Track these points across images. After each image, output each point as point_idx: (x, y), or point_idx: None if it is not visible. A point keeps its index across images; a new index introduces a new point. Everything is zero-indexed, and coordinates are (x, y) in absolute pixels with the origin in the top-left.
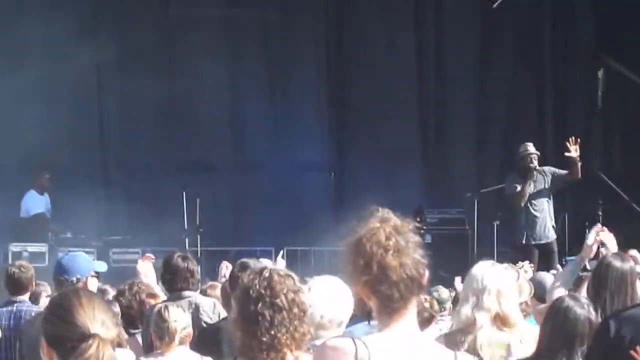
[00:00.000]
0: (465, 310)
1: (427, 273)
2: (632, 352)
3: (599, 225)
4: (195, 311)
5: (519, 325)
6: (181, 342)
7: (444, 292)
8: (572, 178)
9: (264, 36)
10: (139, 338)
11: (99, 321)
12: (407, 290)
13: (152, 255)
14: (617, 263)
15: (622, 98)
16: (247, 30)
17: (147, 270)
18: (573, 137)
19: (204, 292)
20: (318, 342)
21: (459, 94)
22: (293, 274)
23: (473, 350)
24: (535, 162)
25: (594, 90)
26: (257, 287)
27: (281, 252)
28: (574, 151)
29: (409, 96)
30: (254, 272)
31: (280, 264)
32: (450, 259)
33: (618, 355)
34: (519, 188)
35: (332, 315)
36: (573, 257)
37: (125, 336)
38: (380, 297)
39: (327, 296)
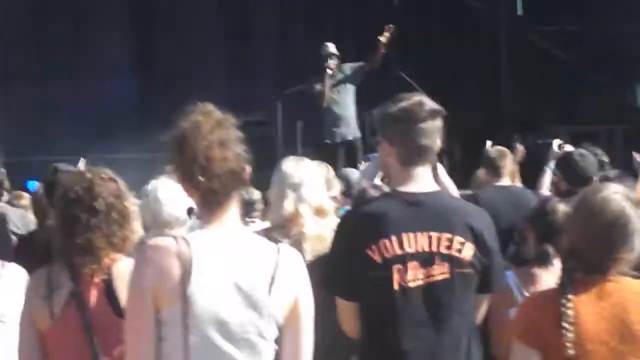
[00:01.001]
0: (288, 204)
1: (248, 168)
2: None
3: None
4: (2, 221)
5: (331, 217)
6: None
7: (254, 193)
8: (371, 66)
9: None
10: None
11: None
12: (230, 184)
13: None
14: None
15: None
16: None
17: None
18: (392, 26)
19: (10, 203)
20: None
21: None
22: (118, 179)
23: (295, 244)
24: (333, 62)
25: None
26: (76, 189)
27: (82, 160)
28: (384, 38)
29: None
30: (77, 174)
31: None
32: (257, 161)
33: (357, 252)
34: (318, 88)
35: (176, 213)
36: (374, 153)
37: None
38: (203, 191)
39: (170, 196)
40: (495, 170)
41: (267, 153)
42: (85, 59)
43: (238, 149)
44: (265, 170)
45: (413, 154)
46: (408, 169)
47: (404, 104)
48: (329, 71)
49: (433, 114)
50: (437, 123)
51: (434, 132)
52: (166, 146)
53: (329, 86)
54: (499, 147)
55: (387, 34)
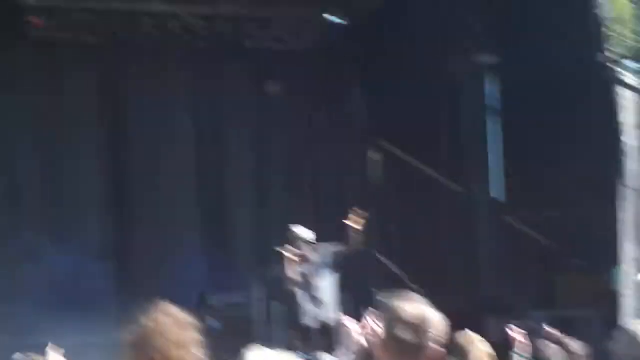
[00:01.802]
0: None
1: None
2: None
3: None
4: None
5: None
6: None
7: None
8: (349, 250)
9: (39, 124)
10: None
11: None
12: None
13: None
14: None
15: (397, 179)
16: (24, 118)
17: None
18: (360, 210)
19: None
20: None
21: (239, 179)
22: None
23: None
24: (303, 247)
25: (369, 172)
26: None
27: (49, 345)
28: (353, 222)
29: (190, 184)
30: None
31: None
32: (236, 342)
33: None
34: (286, 274)
35: None
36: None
37: None
38: None
39: None
40: (463, 358)
41: (244, 334)
42: (60, 241)
43: (197, 352)
44: (242, 353)
45: None
46: None
47: (391, 326)
48: (290, 256)
49: (420, 337)
50: (425, 342)
51: (419, 351)
52: (125, 342)
53: (301, 270)
54: (468, 333)
55: (356, 218)
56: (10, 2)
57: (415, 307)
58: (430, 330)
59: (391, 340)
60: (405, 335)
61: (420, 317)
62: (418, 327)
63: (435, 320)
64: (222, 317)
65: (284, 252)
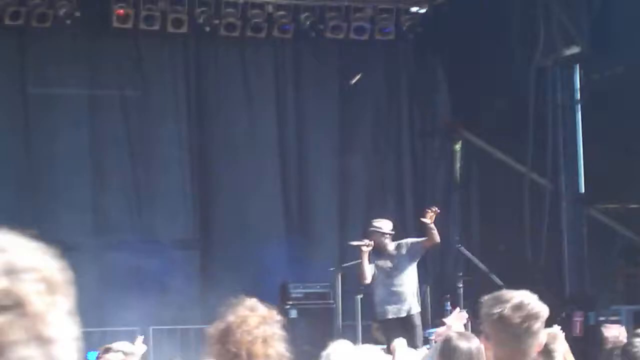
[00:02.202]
0: None
1: None
2: None
3: (458, 309)
4: None
5: None
6: None
7: None
8: (430, 243)
9: (125, 114)
10: None
11: None
12: None
13: None
14: (464, 344)
15: (480, 171)
16: (108, 108)
17: None
18: (434, 207)
19: None
20: None
21: (320, 171)
22: None
23: None
24: (381, 240)
25: (452, 164)
26: None
27: (140, 337)
28: (428, 218)
29: (272, 174)
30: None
31: (141, 349)
32: (316, 333)
33: None
34: (361, 267)
35: None
36: (434, 330)
37: None
38: None
39: None
40: (547, 354)
41: (327, 326)
42: (147, 231)
43: (280, 347)
44: (324, 343)
45: (507, 356)
46: None
47: (498, 308)
48: (364, 249)
49: (529, 318)
50: (534, 326)
51: (529, 336)
52: (210, 336)
53: (382, 262)
54: (550, 330)
55: (431, 215)
56: None
57: (521, 293)
58: (538, 313)
59: (499, 323)
60: (515, 318)
61: (528, 302)
62: (527, 310)
63: (541, 306)
64: (302, 307)
65: (364, 245)
